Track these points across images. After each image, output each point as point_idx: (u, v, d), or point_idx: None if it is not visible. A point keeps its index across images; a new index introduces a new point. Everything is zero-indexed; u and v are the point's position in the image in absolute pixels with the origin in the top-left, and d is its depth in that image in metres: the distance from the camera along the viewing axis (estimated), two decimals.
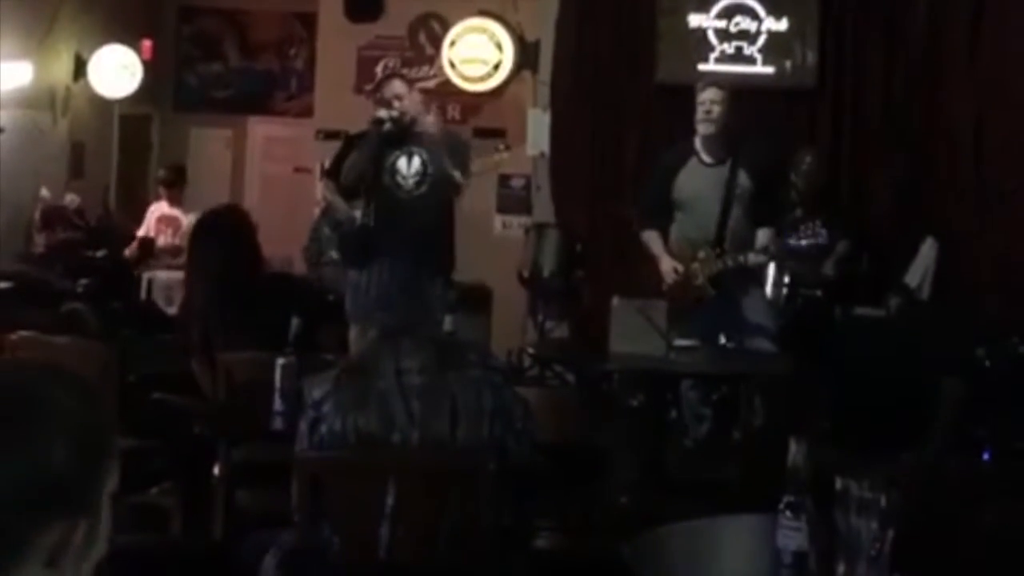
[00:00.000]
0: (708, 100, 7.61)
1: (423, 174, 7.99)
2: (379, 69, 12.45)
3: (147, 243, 11.55)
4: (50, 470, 1.81)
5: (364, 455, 4.01)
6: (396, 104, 7.99)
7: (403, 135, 7.97)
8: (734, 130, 7.70)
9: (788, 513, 3.14)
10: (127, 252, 11.42)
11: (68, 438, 1.84)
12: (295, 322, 5.41)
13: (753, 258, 7.56)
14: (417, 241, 7.56)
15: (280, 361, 5.01)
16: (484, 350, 4.89)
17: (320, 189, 10.58)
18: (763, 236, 7.54)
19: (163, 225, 11.38)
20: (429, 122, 8.18)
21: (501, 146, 10.98)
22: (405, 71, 11.36)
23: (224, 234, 6.27)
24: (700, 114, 7.63)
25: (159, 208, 11.85)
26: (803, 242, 7.41)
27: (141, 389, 6.09)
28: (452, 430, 4.01)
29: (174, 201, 11.75)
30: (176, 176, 11.98)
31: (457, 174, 7.96)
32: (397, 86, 8.18)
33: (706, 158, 7.68)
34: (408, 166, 8.00)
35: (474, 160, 8.43)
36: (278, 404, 4.94)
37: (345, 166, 8.15)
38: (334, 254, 9.01)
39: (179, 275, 11.15)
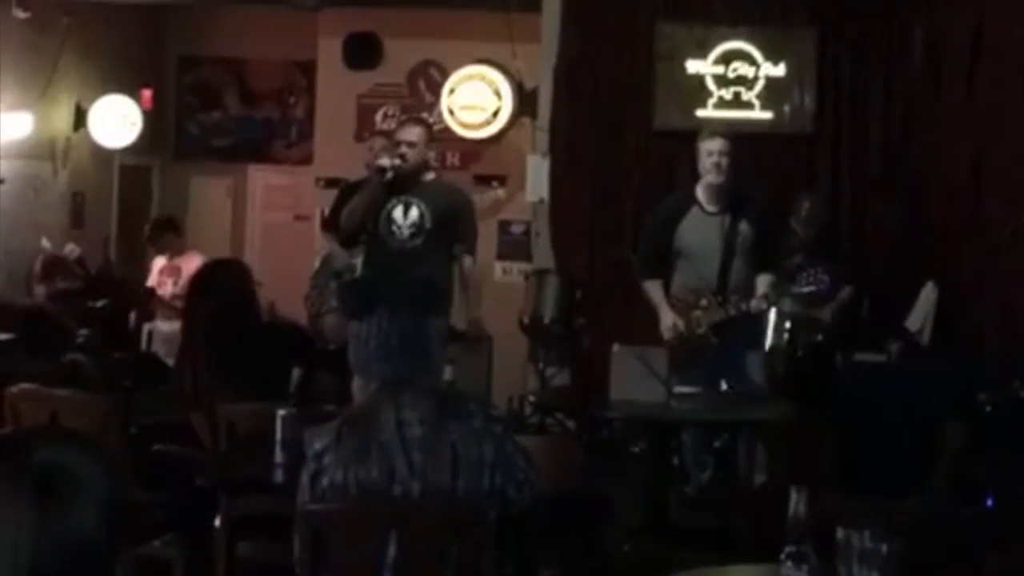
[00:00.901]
0: (717, 152, 7.61)
1: (419, 226, 7.95)
2: (379, 117, 12.51)
3: (146, 294, 11.57)
4: (85, 536, 1.88)
5: (366, 507, 4.01)
6: (404, 149, 7.96)
7: (404, 184, 7.97)
8: (733, 177, 7.73)
9: (790, 563, 3.14)
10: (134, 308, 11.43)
11: (97, 505, 1.91)
12: (296, 372, 5.42)
13: (756, 305, 7.57)
14: (416, 291, 7.55)
15: (281, 413, 5.00)
16: (484, 400, 4.90)
17: (320, 238, 10.60)
18: (763, 283, 7.56)
19: (164, 276, 11.38)
20: (431, 175, 8.17)
21: (495, 183, 11.03)
22: (405, 117, 11.40)
23: (218, 287, 6.29)
24: (708, 165, 7.63)
25: (161, 260, 11.85)
26: (805, 289, 7.43)
27: (143, 440, 6.09)
28: (453, 481, 4.01)
29: (173, 252, 11.72)
30: (160, 230, 11.89)
31: (458, 247, 7.96)
32: (414, 133, 8.12)
33: (708, 207, 7.70)
34: (404, 216, 7.97)
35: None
36: (279, 456, 4.92)
37: (344, 212, 8.16)
38: (335, 302, 9.00)
39: (179, 326, 11.21)
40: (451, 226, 7.95)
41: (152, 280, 11.74)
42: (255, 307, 6.38)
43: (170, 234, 11.79)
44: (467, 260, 8.05)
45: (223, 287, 6.28)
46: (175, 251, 11.63)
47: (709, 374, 7.47)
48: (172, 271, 11.53)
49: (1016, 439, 6.83)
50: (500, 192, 9.91)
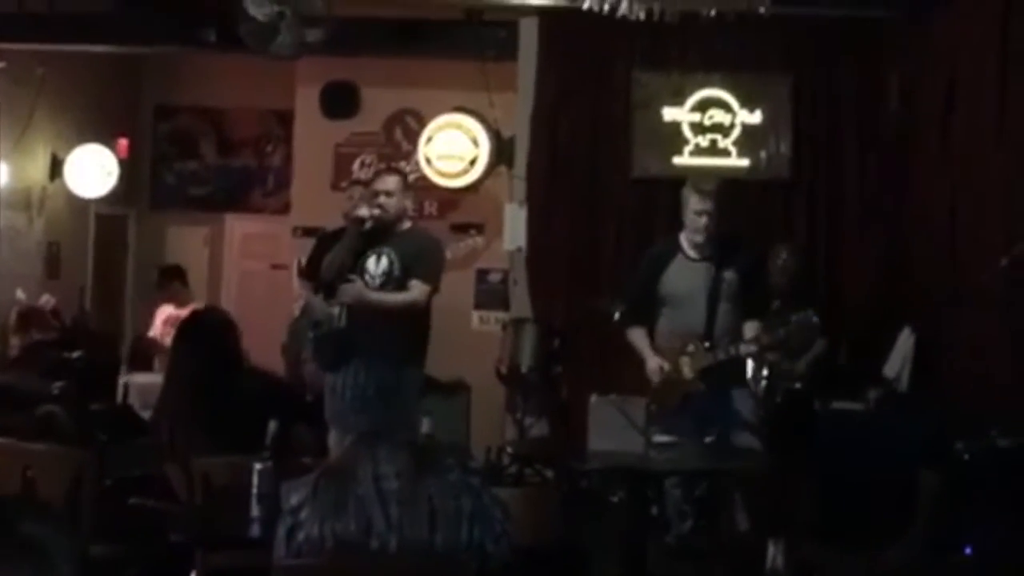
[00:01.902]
0: (707, 212, 7.58)
1: (388, 274, 7.92)
2: (356, 166, 12.52)
3: (142, 342, 11.60)
4: None
5: (342, 562, 3.97)
6: (382, 199, 7.94)
7: (382, 235, 7.95)
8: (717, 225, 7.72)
9: None
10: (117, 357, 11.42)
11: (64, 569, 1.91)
12: (272, 425, 5.37)
13: (744, 349, 7.57)
14: (391, 343, 7.50)
15: (257, 466, 4.96)
16: (462, 453, 4.88)
17: (297, 287, 10.58)
18: (751, 328, 7.54)
19: (168, 327, 11.39)
20: (408, 224, 8.14)
21: (473, 231, 11.03)
22: (383, 166, 11.41)
23: (202, 337, 6.26)
24: (697, 224, 7.60)
25: (166, 309, 11.83)
26: (785, 333, 7.43)
27: (117, 493, 6.05)
28: (431, 535, 3.98)
29: (179, 302, 11.74)
30: (168, 277, 11.99)
31: (415, 282, 7.88)
32: (390, 182, 8.11)
33: (692, 254, 7.70)
34: (376, 266, 7.95)
35: (449, 249, 8.41)
36: (255, 510, 4.89)
37: (325, 263, 8.14)
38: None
39: (156, 378, 11.18)
40: (416, 266, 7.92)
41: (155, 330, 11.74)
42: (240, 358, 6.36)
43: (177, 283, 11.82)
44: (419, 285, 7.92)
45: (209, 337, 6.26)
46: (181, 301, 11.65)
47: (695, 422, 7.45)
48: (176, 321, 11.54)
49: (994, 488, 6.83)
50: (478, 240, 9.91)
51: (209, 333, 6.32)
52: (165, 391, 6.39)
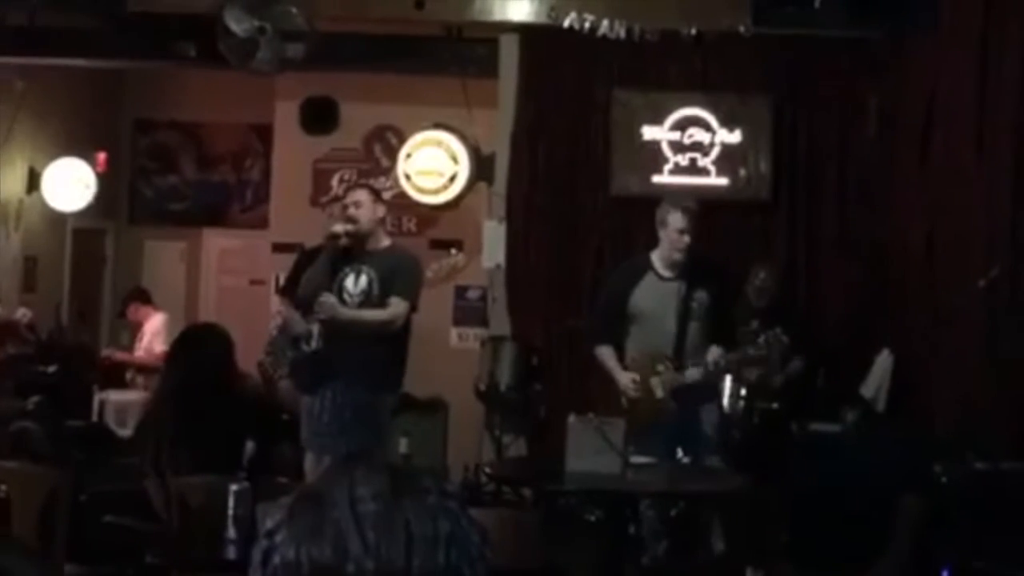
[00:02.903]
0: (687, 231, 7.54)
1: (367, 293, 7.86)
2: (335, 181, 12.51)
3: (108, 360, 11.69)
4: None
5: None
6: (352, 211, 7.90)
7: (357, 251, 7.91)
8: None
9: None
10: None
11: None
12: (249, 446, 5.35)
13: (705, 375, 7.53)
14: (368, 364, 7.44)
15: (233, 487, 4.95)
16: (439, 475, 4.84)
17: (275, 303, 10.55)
18: (713, 354, 7.50)
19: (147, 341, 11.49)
20: (384, 238, 8.11)
21: (454, 251, 11.00)
22: (363, 183, 11.41)
23: (197, 353, 6.23)
24: (677, 243, 7.55)
25: (155, 321, 11.80)
26: (756, 353, 7.42)
27: (93, 510, 6.01)
28: (407, 559, 3.91)
29: (139, 319, 11.84)
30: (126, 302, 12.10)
31: (394, 299, 7.84)
32: (359, 195, 8.07)
33: (663, 272, 7.67)
34: (355, 284, 7.89)
35: (429, 268, 8.36)
36: (231, 532, 4.87)
37: (303, 282, 8.09)
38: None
39: (132, 396, 11.17)
40: (393, 284, 7.88)
41: (149, 343, 11.78)
42: (233, 376, 6.33)
43: (136, 303, 11.91)
44: (397, 303, 7.85)
45: (204, 353, 6.22)
46: (141, 318, 11.76)
47: (667, 442, 7.44)
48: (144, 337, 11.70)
49: (971, 511, 6.83)
50: (460, 257, 9.91)
51: (204, 349, 6.29)
52: (154, 406, 6.36)
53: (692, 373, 7.54)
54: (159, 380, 6.61)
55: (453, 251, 10.64)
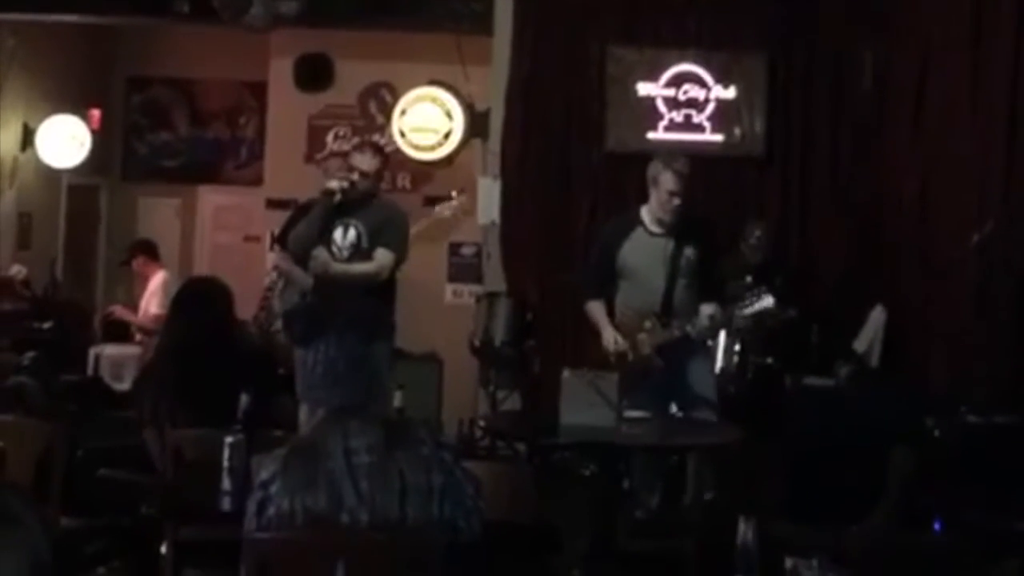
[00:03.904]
0: (679, 191, 7.53)
1: (356, 246, 7.92)
2: (329, 138, 12.49)
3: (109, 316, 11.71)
4: None
5: (313, 536, 3.97)
6: (356, 177, 7.92)
7: (350, 207, 7.93)
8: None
9: None
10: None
11: (31, 552, 1.96)
12: (244, 398, 5.36)
13: (698, 332, 7.53)
14: (360, 315, 7.45)
15: (228, 440, 4.96)
16: (433, 427, 4.87)
17: (271, 258, 10.54)
18: (706, 311, 7.50)
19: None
20: (377, 197, 8.12)
21: (455, 192, 10.98)
22: (356, 139, 11.39)
23: (199, 307, 6.23)
24: (668, 203, 7.53)
25: (159, 276, 11.77)
26: (746, 311, 7.43)
27: (88, 464, 6.03)
28: (401, 509, 3.97)
29: (145, 275, 11.80)
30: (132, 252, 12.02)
31: (380, 251, 7.87)
32: (369, 162, 8.07)
33: (652, 228, 7.66)
34: (343, 237, 7.95)
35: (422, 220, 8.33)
36: (226, 483, 4.88)
37: (291, 236, 8.12)
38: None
39: (128, 351, 11.18)
40: (381, 236, 7.91)
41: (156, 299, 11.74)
42: (233, 328, 6.34)
43: (143, 256, 11.84)
44: (383, 254, 7.93)
45: (205, 306, 6.23)
46: (147, 274, 11.74)
47: (659, 397, 7.46)
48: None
49: (963, 465, 6.86)
50: (462, 198, 9.94)
51: (206, 303, 6.29)
52: (155, 358, 6.36)
53: (697, 331, 7.53)
54: (161, 334, 6.60)
55: (454, 193, 10.61)
